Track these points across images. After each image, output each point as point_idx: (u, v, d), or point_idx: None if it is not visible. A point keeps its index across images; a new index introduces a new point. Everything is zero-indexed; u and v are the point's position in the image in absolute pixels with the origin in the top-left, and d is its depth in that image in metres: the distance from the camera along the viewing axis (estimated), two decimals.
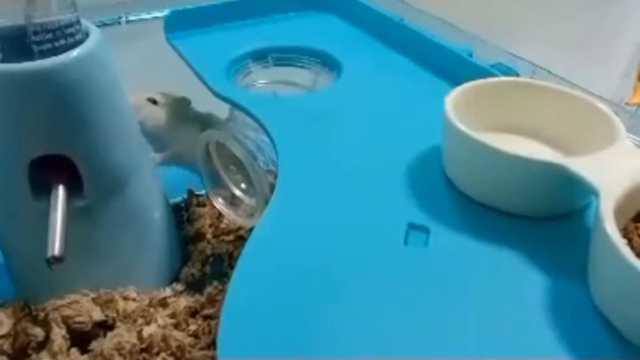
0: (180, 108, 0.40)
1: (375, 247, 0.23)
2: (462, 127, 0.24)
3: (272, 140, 0.31)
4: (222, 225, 0.38)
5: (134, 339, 0.28)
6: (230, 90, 0.34)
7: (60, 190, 0.30)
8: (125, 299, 0.33)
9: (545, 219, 0.24)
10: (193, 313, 0.32)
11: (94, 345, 0.29)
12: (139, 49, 0.49)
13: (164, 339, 0.28)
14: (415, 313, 0.20)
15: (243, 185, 0.39)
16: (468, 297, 0.21)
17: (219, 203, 0.39)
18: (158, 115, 0.40)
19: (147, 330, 0.29)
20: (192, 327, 0.31)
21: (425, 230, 0.23)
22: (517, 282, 0.22)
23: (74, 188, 0.31)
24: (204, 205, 0.40)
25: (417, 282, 0.21)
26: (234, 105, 0.33)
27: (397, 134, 0.30)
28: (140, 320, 0.30)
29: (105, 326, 0.32)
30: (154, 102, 0.40)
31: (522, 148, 0.24)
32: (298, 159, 0.28)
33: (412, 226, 0.24)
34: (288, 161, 0.28)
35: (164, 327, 0.29)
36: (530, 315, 0.20)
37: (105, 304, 0.32)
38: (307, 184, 0.26)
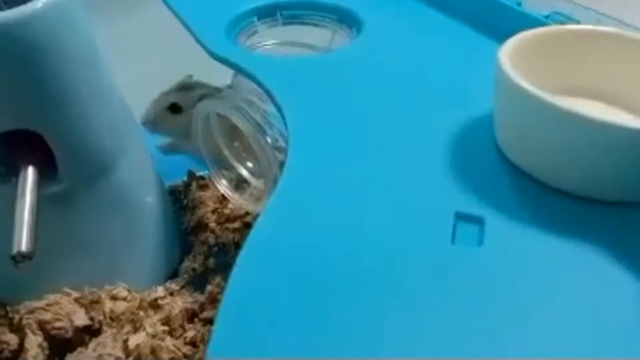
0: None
1: (409, 244, 0.17)
2: (527, 85, 0.18)
3: (280, 111, 0.25)
4: (227, 211, 0.33)
5: (118, 351, 0.24)
6: (231, 51, 0.29)
7: (30, 173, 0.25)
8: (114, 298, 0.29)
9: (626, 204, 0.19)
10: (191, 316, 0.27)
11: (70, 358, 0.24)
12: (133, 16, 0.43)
13: (154, 350, 0.24)
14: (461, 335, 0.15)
15: (249, 165, 0.33)
16: (540, 314, 0.16)
17: (222, 186, 0.33)
18: (182, 124, 0.35)
19: (134, 340, 0.24)
20: (190, 334, 0.26)
21: (477, 221, 0.18)
22: (598, 286, 0.16)
23: (48, 171, 0.26)
24: (205, 188, 0.35)
25: (468, 293, 0.16)
26: (236, 68, 0.28)
27: (431, 100, 0.25)
28: (127, 327, 0.25)
29: (91, 331, 0.27)
30: (177, 108, 0.35)
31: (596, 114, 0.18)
32: (312, 132, 0.23)
33: (460, 216, 0.18)
34: (300, 135, 0.22)
35: (153, 336, 0.24)
36: (623, 325, 0.15)
37: (90, 305, 0.28)
38: (323, 162, 0.21)
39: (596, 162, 0.18)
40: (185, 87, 0.36)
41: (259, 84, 0.27)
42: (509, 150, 0.20)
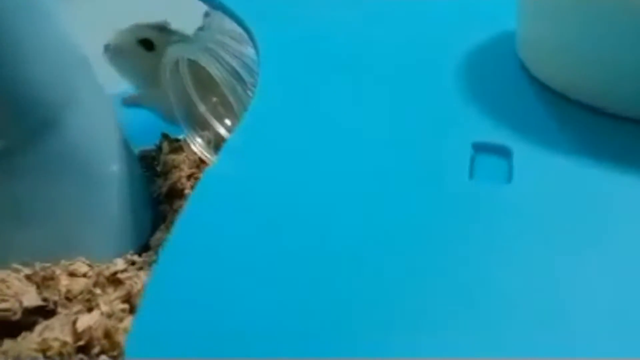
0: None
1: (414, 188, 0.13)
2: None
3: (255, 45, 0.21)
4: None
5: (66, 335, 0.20)
6: None
7: None
8: (72, 275, 0.25)
9: None
10: None
11: (8, 345, 0.20)
12: None
13: (108, 334, 0.20)
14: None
15: (228, 122, 0.29)
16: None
17: (198, 146, 0.29)
18: (151, 66, 0.29)
19: (84, 322, 0.20)
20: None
21: (503, 152, 0.14)
22: None
23: None
24: (179, 150, 0.30)
25: (495, 258, 0.12)
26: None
27: (441, 18, 0.20)
28: (77, 307, 0.21)
29: (44, 312, 0.23)
30: (149, 45, 0.30)
31: None
32: (294, 60, 0.18)
33: (479, 147, 0.14)
34: (277, 63, 0.18)
35: (109, 316, 0.20)
36: None
37: (43, 282, 0.24)
38: (303, 94, 0.17)
39: None
40: (163, 28, 0.31)
41: (233, 17, 0.23)
42: (539, 63, 0.16)
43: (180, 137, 0.32)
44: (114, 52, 0.30)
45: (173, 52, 0.27)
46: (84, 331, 0.20)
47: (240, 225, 0.13)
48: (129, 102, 0.32)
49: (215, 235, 0.13)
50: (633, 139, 0.14)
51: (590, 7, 0.14)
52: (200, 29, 0.27)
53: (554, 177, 0.13)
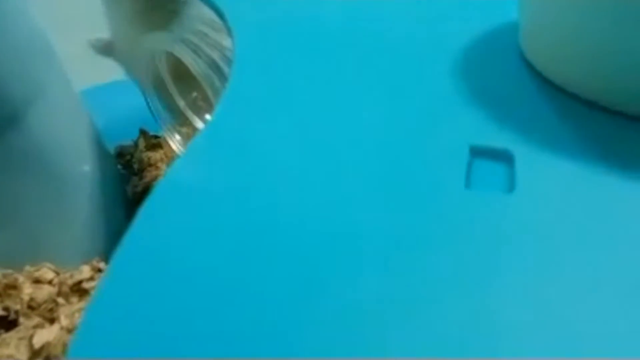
0: None
1: (401, 193, 0.11)
2: None
3: (230, 34, 0.19)
4: None
5: (21, 352, 0.18)
6: None
7: None
8: (37, 281, 0.23)
9: None
10: None
11: None
12: None
13: (67, 350, 0.18)
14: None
15: (208, 117, 0.27)
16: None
17: (176, 142, 0.28)
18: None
19: (42, 337, 0.18)
20: None
21: (505, 157, 0.12)
22: None
23: None
24: (157, 147, 0.29)
25: (494, 276, 0.10)
26: None
27: (437, 9, 0.18)
28: (36, 320, 0.19)
29: (6, 322, 0.22)
30: None
31: None
32: (274, 54, 0.17)
33: (476, 151, 0.12)
34: (250, 58, 0.16)
35: (69, 331, 0.19)
36: None
37: (5, 291, 0.22)
38: (280, 89, 0.15)
39: None
40: None
41: (209, 4, 0.21)
42: (545, 59, 0.14)
43: (160, 133, 0.30)
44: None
45: (149, 43, 0.25)
46: (42, 347, 0.18)
47: (195, 229, 0.11)
48: (99, 50, 0.30)
49: (168, 240, 0.11)
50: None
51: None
52: (179, 18, 0.25)
53: (559, 184, 0.11)
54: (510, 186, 0.11)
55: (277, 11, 0.19)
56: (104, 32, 0.30)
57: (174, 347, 0.10)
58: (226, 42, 0.24)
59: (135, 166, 0.28)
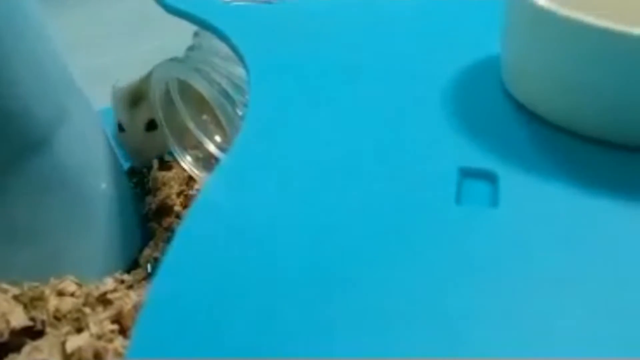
0: None
1: (401, 209, 0.13)
2: (544, 2, 0.14)
3: (245, 66, 0.21)
4: (193, 193, 0.29)
5: (55, 356, 0.20)
6: (187, 1, 0.24)
7: None
8: (61, 294, 0.24)
9: None
10: None
11: None
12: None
13: (98, 355, 0.20)
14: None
15: (217, 139, 0.30)
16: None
17: (187, 163, 0.29)
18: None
19: (73, 343, 0.20)
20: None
21: (490, 177, 0.14)
22: None
23: None
24: (169, 168, 0.31)
25: (482, 280, 0.12)
26: (192, 18, 0.23)
27: (428, 44, 0.21)
28: (66, 327, 0.21)
29: (31, 333, 0.23)
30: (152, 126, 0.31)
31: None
32: (281, 82, 0.19)
33: (467, 172, 0.14)
34: (265, 86, 0.18)
35: (99, 337, 0.20)
36: None
37: (31, 302, 0.24)
38: (294, 113, 0.17)
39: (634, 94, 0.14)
40: None
41: (223, 38, 0.23)
42: (522, 91, 0.17)
43: (168, 159, 0.32)
44: None
45: (163, 72, 0.27)
46: (73, 353, 0.20)
47: (233, 248, 0.13)
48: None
49: (210, 256, 0.13)
50: (615, 165, 0.15)
51: (569, 39, 0.14)
52: (190, 48, 0.27)
53: (538, 201, 0.13)
54: (495, 201, 0.13)
55: (286, 40, 0.21)
56: (116, 53, 0.32)
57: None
58: (234, 70, 0.26)
59: (149, 185, 0.30)
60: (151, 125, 0.30)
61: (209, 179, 0.15)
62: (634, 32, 0.13)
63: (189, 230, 0.13)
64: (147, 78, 0.29)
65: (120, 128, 0.31)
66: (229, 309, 0.12)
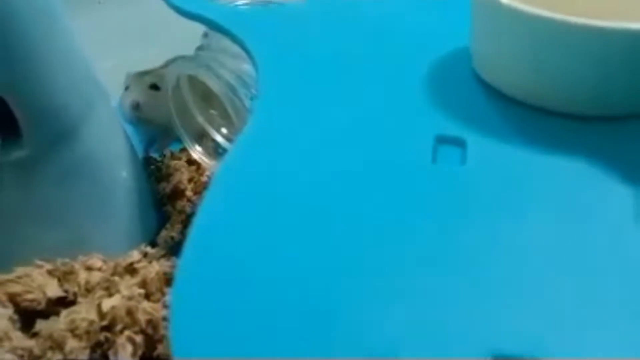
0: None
1: (389, 173, 0.17)
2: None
3: (254, 63, 0.24)
4: (204, 179, 0.32)
5: (92, 315, 0.23)
6: (199, 5, 0.28)
7: None
8: (89, 269, 0.27)
9: (608, 119, 0.18)
10: (169, 280, 0.26)
11: (42, 326, 0.23)
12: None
13: (130, 312, 0.23)
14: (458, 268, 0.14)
15: (224, 131, 0.32)
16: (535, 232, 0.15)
17: (197, 153, 0.32)
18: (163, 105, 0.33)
19: (108, 303, 0.23)
20: (169, 298, 0.25)
21: (459, 143, 0.17)
22: (590, 198, 0.16)
23: (10, 136, 0.25)
24: (180, 158, 0.33)
25: (456, 217, 0.15)
26: (204, 21, 0.27)
27: (409, 40, 0.24)
28: (100, 292, 0.24)
29: (65, 302, 0.26)
30: (155, 87, 0.33)
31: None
32: (284, 72, 0.22)
33: (441, 139, 0.17)
34: (272, 75, 0.21)
35: (130, 299, 0.23)
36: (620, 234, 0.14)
37: (64, 276, 0.27)
38: (295, 98, 0.20)
39: (579, 73, 0.17)
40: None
41: (233, 38, 0.26)
42: (487, 71, 0.20)
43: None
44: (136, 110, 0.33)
45: (175, 69, 0.30)
46: (108, 312, 0.23)
47: (251, 221, 0.16)
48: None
49: (233, 230, 0.16)
50: (563, 131, 0.18)
51: (522, 27, 0.17)
52: (200, 48, 0.30)
53: (499, 160, 0.17)
54: (463, 161, 0.17)
55: (293, 45, 0.24)
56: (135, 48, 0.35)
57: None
58: (241, 67, 0.29)
59: (163, 171, 0.33)
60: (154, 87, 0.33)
61: (220, 163, 0.18)
62: (571, 20, 0.16)
63: (208, 212, 0.16)
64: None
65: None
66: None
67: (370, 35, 0.25)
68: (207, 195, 0.17)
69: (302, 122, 0.19)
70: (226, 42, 0.28)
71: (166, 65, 0.34)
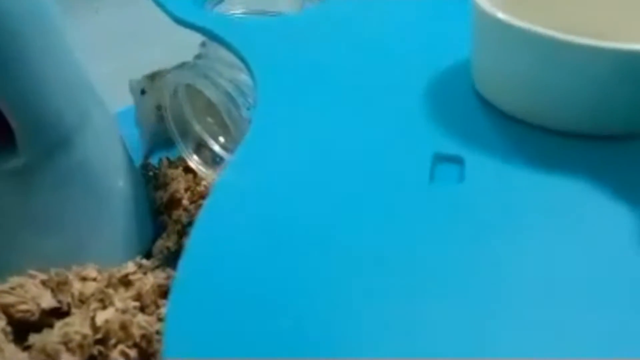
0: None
1: (386, 191, 0.16)
2: (501, 15, 0.17)
3: (251, 73, 0.24)
4: (201, 189, 0.32)
5: (86, 328, 0.22)
6: (199, 16, 0.27)
7: None
8: (84, 279, 0.27)
9: (608, 138, 0.18)
10: (164, 293, 0.26)
11: (35, 339, 0.23)
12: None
13: (124, 326, 0.22)
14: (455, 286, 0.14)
15: (222, 140, 0.32)
16: (531, 249, 0.15)
17: (194, 161, 0.32)
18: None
19: (102, 316, 0.22)
20: (163, 310, 0.24)
21: (457, 161, 0.17)
22: (590, 219, 0.15)
23: (6, 145, 0.25)
24: (177, 167, 0.33)
25: (452, 235, 0.15)
26: (201, 30, 0.26)
27: (408, 54, 0.24)
28: (94, 305, 0.24)
29: (59, 314, 0.26)
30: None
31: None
32: (283, 85, 0.22)
33: (439, 157, 0.17)
34: (270, 89, 0.21)
35: (124, 312, 0.23)
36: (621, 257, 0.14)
37: (58, 287, 0.26)
38: (293, 111, 0.20)
39: (578, 92, 0.17)
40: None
41: (229, 47, 0.26)
42: (486, 89, 0.20)
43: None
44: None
45: (172, 78, 0.30)
46: (102, 325, 0.22)
47: (249, 233, 0.16)
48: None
49: (228, 244, 0.16)
50: (561, 149, 0.18)
51: (522, 46, 0.17)
52: (197, 57, 0.30)
53: (497, 178, 0.16)
54: (461, 179, 0.16)
55: (286, 48, 0.24)
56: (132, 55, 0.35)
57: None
58: (239, 76, 0.29)
59: (160, 180, 0.33)
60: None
61: (222, 172, 0.17)
62: (571, 39, 0.16)
63: (208, 218, 0.16)
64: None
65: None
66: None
67: (368, 47, 0.24)
68: (205, 206, 0.17)
69: (299, 136, 0.19)
70: (224, 52, 0.28)
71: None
